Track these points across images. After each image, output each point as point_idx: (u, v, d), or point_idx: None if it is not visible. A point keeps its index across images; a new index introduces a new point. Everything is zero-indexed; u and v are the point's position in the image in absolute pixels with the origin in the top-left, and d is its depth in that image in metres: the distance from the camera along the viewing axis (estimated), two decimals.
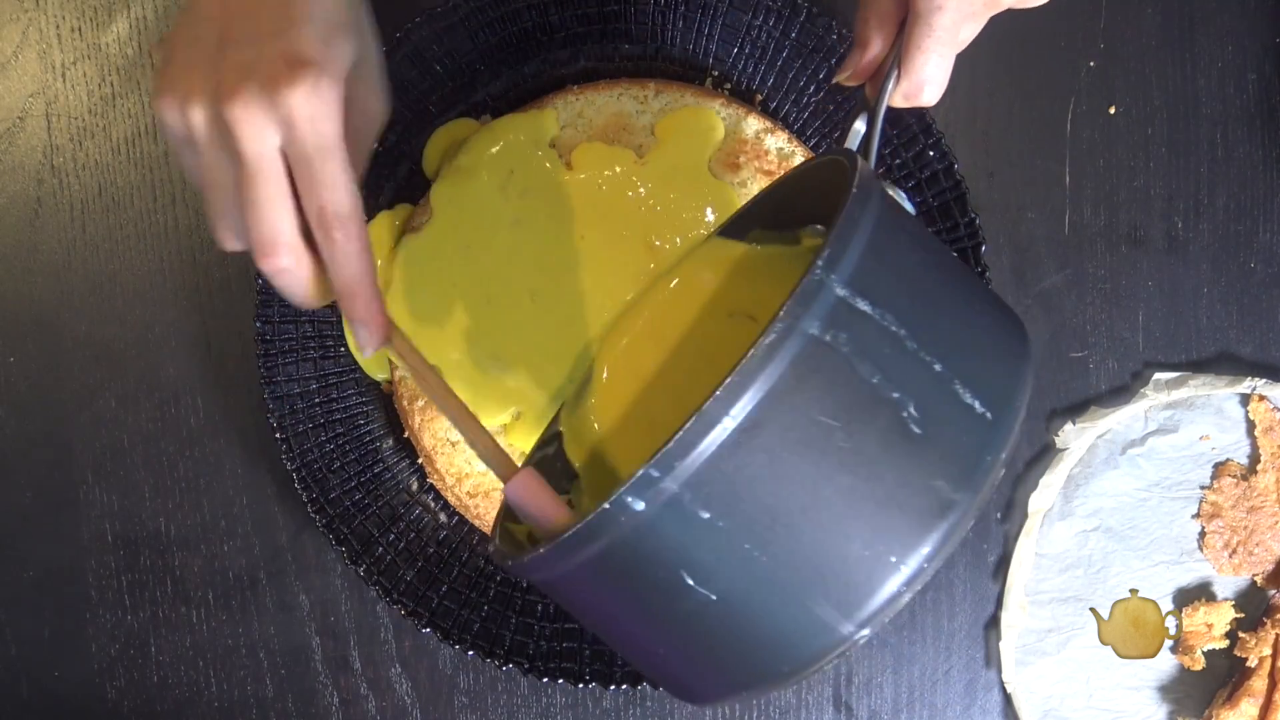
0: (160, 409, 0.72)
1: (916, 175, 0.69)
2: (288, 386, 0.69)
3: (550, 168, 0.67)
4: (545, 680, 0.68)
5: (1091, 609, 0.72)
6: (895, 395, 0.41)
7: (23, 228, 0.71)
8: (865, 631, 0.42)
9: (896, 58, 0.53)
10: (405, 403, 0.68)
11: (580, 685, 0.68)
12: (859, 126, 0.55)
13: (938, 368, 0.43)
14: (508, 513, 0.54)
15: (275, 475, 0.72)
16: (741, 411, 0.40)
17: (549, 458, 0.56)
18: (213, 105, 0.46)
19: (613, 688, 0.68)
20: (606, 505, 0.41)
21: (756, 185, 0.68)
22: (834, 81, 0.57)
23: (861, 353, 0.41)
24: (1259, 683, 0.70)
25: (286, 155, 0.47)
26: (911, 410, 0.42)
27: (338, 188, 0.47)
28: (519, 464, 0.51)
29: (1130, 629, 0.72)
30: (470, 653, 0.68)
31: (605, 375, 0.57)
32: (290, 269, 0.48)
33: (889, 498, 0.41)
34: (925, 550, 0.41)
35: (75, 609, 0.72)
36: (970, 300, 0.47)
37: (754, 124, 0.68)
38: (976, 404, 0.43)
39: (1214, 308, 0.73)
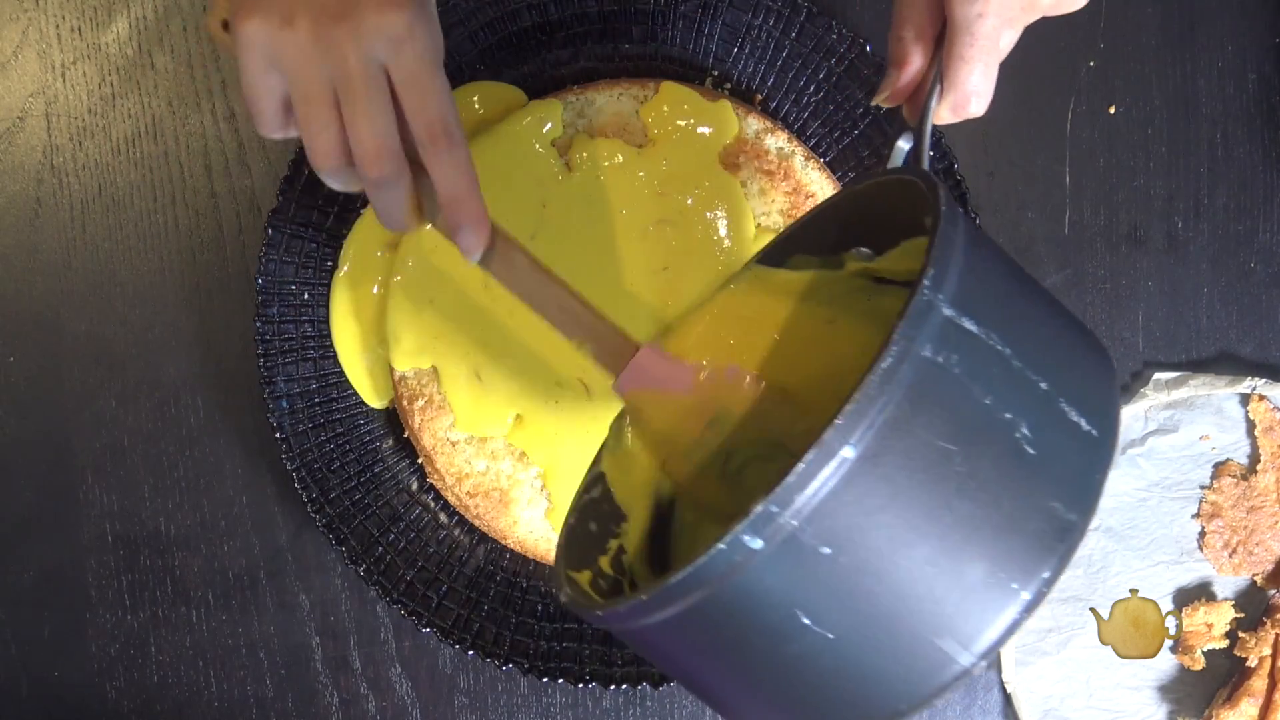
0: (160, 409, 0.72)
1: None
2: (288, 386, 0.69)
3: (554, 167, 0.67)
4: (545, 680, 0.68)
5: (1091, 609, 0.72)
6: (1008, 416, 0.40)
7: (23, 228, 0.71)
8: (984, 662, 0.40)
9: (937, 72, 0.51)
10: (405, 403, 0.68)
11: (580, 685, 0.68)
12: (902, 145, 0.53)
13: (1043, 386, 0.42)
14: (569, 553, 0.50)
15: (275, 475, 0.72)
16: (861, 440, 0.38)
17: (595, 500, 0.54)
18: (316, 24, 0.48)
19: (613, 688, 0.68)
20: (721, 545, 0.38)
21: (756, 185, 0.68)
22: (872, 104, 0.55)
23: (973, 373, 0.40)
24: (1259, 683, 0.70)
25: (391, 75, 0.50)
26: (1024, 430, 0.40)
27: (444, 101, 0.50)
28: (562, 518, 0.50)
29: (1130, 629, 0.72)
30: (470, 653, 0.68)
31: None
32: (394, 176, 0.51)
33: (1008, 522, 0.40)
34: (1046, 574, 0.40)
35: (75, 609, 0.72)
36: (1055, 316, 0.46)
37: (754, 124, 0.68)
38: (1083, 421, 0.42)
39: (1214, 308, 0.73)
